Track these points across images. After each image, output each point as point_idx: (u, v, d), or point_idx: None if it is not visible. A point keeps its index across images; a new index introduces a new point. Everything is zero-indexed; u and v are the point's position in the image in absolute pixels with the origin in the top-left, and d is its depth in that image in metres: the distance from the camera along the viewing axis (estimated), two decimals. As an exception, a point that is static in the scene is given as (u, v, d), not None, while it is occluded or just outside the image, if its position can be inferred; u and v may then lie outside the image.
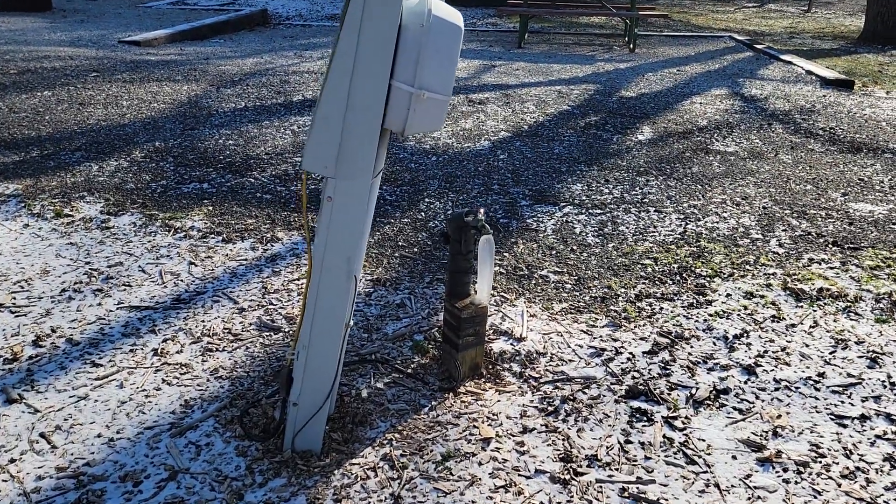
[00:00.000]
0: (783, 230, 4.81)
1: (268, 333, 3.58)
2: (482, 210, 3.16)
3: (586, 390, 3.20)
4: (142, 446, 2.78)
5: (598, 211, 5.13)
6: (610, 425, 2.98)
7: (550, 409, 3.06)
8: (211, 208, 5.15)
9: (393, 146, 6.48)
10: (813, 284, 4.09)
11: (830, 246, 4.56)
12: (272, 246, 4.59)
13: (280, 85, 9.18)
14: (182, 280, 4.11)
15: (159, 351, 3.42)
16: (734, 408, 3.11)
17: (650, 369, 3.36)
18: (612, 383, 3.25)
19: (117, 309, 3.79)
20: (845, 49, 13.63)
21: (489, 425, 2.97)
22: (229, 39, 13.82)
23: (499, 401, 3.13)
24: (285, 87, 9.07)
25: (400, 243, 4.66)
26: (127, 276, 4.16)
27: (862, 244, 4.58)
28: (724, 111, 7.79)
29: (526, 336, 3.59)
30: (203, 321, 3.68)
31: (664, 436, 2.93)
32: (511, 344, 3.54)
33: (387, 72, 2.31)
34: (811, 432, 2.94)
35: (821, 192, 5.44)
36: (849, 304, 3.91)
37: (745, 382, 3.27)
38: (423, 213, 5.12)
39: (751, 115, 7.67)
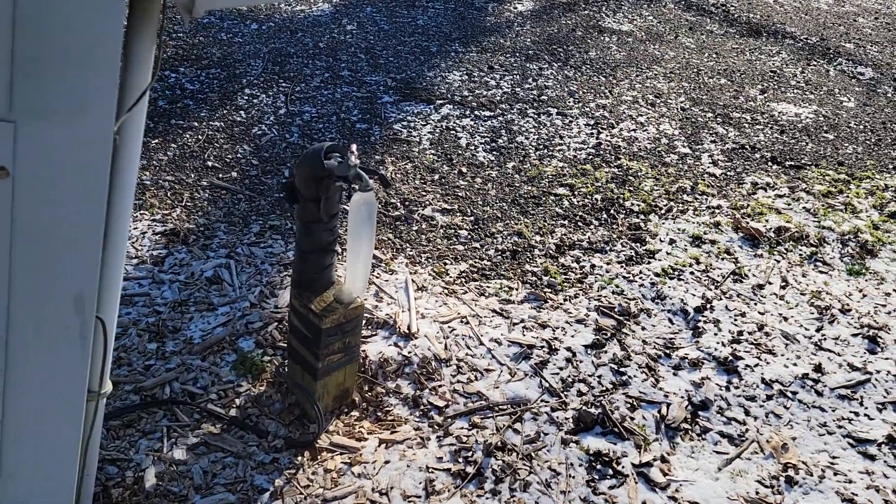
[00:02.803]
0: (712, 141, 3.86)
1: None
2: (354, 147, 1.78)
3: (518, 426, 2.08)
4: None
5: (487, 112, 3.85)
6: (563, 492, 1.91)
7: (471, 470, 1.92)
8: None
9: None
10: (767, 222, 3.20)
11: (770, 164, 3.69)
12: None
13: None
14: None
15: None
16: (722, 434, 2.16)
17: (600, 375, 2.31)
18: (553, 408, 2.16)
19: None
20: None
21: (377, 519, 1.77)
22: None
23: (387, 462, 1.92)
24: None
25: (209, 163, 3.11)
26: None
27: (803, 160, 3.76)
28: (605, -22, 6.62)
29: (417, 329, 2.36)
30: None
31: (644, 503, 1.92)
32: (396, 344, 2.30)
33: None
34: (835, 474, 2.06)
35: (738, 88, 4.55)
36: (813, 248, 3.07)
37: (727, 388, 2.32)
38: (242, 113, 3.54)
39: (634, -16, 6.58)
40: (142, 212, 2.72)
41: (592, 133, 3.78)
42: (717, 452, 2.10)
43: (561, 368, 2.30)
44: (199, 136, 3.29)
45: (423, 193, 3.11)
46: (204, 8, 0.97)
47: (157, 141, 3.21)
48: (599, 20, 5.44)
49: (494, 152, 3.50)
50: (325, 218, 1.86)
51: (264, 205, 2.90)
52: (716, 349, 2.47)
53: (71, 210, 1.00)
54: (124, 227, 1.24)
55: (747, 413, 2.24)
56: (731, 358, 2.43)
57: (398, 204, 3.02)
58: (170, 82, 3.70)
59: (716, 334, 2.54)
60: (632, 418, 2.17)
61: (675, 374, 2.35)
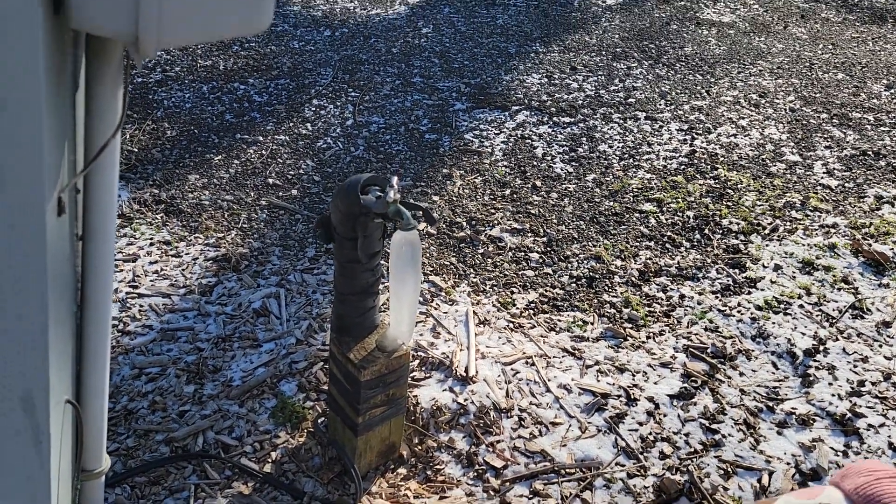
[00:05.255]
0: (827, 147, 3.39)
1: None
2: (396, 180, 1.56)
3: (588, 495, 1.80)
4: None
5: (567, 118, 3.54)
6: (638, 580, 1.62)
7: (529, 548, 1.66)
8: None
9: (270, 12, 4.56)
10: (895, 244, 2.75)
11: (898, 173, 3.20)
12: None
13: None
14: None
15: None
16: (837, 513, 1.79)
17: (687, 433, 1.99)
18: (630, 473, 1.86)
19: None
20: None
21: None
22: None
23: (434, 534, 1.70)
24: None
25: (270, 180, 2.98)
26: None
27: (938, 169, 3.24)
28: (705, -36, 6.11)
29: (476, 372, 2.12)
30: None
31: None
32: (452, 389, 2.07)
33: None
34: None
35: (858, 84, 4.01)
36: (952, 277, 2.60)
37: (845, 454, 1.95)
38: (309, 125, 3.40)
39: (737, -31, 6.03)
40: (196, 235, 2.62)
41: (685, 139, 3.40)
42: (831, 537, 1.75)
43: (640, 423, 2.00)
44: (263, 152, 3.17)
45: (492, 211, 2.86)
46: (152, 48, 0.77)
47: (220, 157, 3.11)
48: (697, 11, 4.98)
49: (573, 163, 3.20)
50: (364, 258, 1.65)
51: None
52: (830, 403, 2.09)
53: (2, 305, 0.82)
54: (106, 293, 1.07)
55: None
56: (849, 415, 2.05)
57: (464, 223, 2.79)
58: (238, 94, 3.62)
59: (830, 384, 2.16)
60: (725, 489, 1.84)
61: (779, 434, 2.00)
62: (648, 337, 2.31)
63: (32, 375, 0.89)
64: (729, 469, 1.89)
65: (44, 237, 0.80)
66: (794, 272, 2.61)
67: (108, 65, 0.89)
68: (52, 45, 0.78)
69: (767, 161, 3.26)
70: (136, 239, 2.57)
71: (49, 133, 0.79)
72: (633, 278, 2.56)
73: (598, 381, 2.13)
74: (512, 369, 2.15)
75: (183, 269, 2.44)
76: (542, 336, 2.29)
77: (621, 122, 3.53)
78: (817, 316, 2.42)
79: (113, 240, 1.02)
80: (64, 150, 0.87)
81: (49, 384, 0.88)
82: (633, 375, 2.16)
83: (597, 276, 2.56)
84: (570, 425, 1.98)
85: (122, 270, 2.40)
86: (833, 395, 2.12)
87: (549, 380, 2.12)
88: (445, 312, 2.36)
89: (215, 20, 0.79)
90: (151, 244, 2.55)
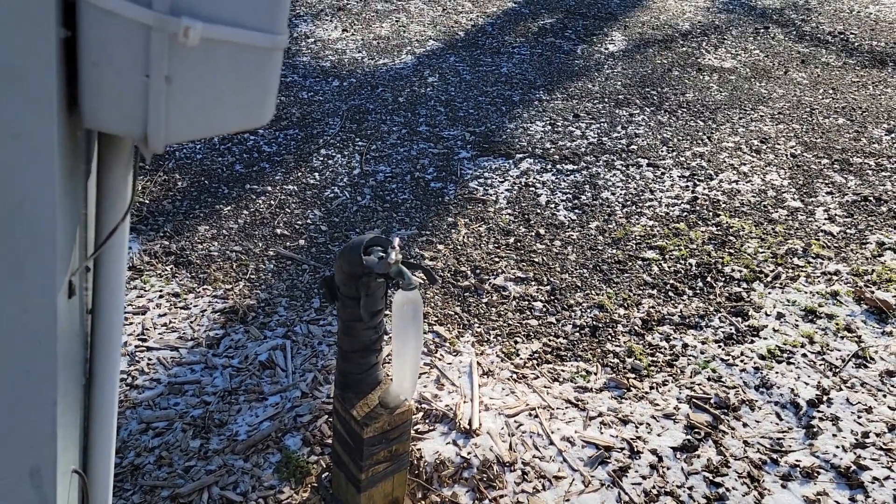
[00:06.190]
0: (828, 192, 3.43)
1: None
2: (398, 241, 1.60)
3: (591, 551, 1.80)
4: None
5: (570, 166, 3.60)
6: None
7: None
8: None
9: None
10: (898, 291, 2.76)
11: (900, 219, 3.22)
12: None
13: None
14: None
15: None
16: (843, 570, 1.78)
17: (691, 487, 1.99)
18: (632, 529, 1.86)
19: None
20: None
21: None
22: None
23: (437, 592, 1.70)
24: None
25: (278, 231, 3.04)
26: None
27: (940, 214, 3.25)
28: (706, 10, 6.23)
29: (479, 425, 2.13)
30: None
31: None
32: (455, 442, 2.08)
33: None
34: None
35: (859, 129, 4.06)
36: (956, 325, 2.61)
37: (850, 508, 1.94)
38: (317, 175, 3.47)
39: (739, 14, 6.14)
40: (204, 286, 2.66)
41: (687, 186, 3.45)
42: None
43: (644, 477, 2.00)
44: (272, 202, 3.24)
45: (496, 260, 2.90)
46: (160, 145, 0.82)
47: (229, 208, 3.18)
48: (698, 57, 5.07)
49: (576, 210, 3.24)
50: (367, 317, 1.69)
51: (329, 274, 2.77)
52: (835, 455, 2.09)
53: (14, 383, 0.86)
54: (113, 366, 1.11)
55: (876, 542, 1.86)
56: (854, 468, 2.04)
57: (468, 272, 2.82)
58: (248, 145, 3.71)
59: (835, 435, 2.15)
60: (729, 544, 1.84)
61: (783, 487, 1.99)
62: (652, 387, 2.32)
63: (41, 450, 0.92)
64: (733, 524, 1.89)
65: (54, 320, 0.85)
66: (796, 320, 2.62)
67: (119, 155, 0.95)
68: (67, 142, 0.83)
69: (769, 207, 3.30)
70: (145, 291, 2.63)
71: (62, 224, 0.84)
72: (636, 327, 2.58)
73: (602, 433, 2.14)
74: (515, 421, 2.16)
75: (191, 322, 2.48)
76: (545, 387, 2.31)
77: (624, 169, 3.58)
78: (820, 365, 2.42)
79: (121, 315, 1.07)
80: (75, 236, 0.92)
81: (57, 457, 0.92)
82: (637, 427, 2.16)
83: (600, 325, 2.58)
84: (573, 479, 1.99)
85: (131, 323, 2.45)
86: (837, 447, 2.11)
87: (552, 432, 2.13)
88: (449, 363, 2.38)
89: (219, 118, 0.84)
90: (161, 296, 2.60)
